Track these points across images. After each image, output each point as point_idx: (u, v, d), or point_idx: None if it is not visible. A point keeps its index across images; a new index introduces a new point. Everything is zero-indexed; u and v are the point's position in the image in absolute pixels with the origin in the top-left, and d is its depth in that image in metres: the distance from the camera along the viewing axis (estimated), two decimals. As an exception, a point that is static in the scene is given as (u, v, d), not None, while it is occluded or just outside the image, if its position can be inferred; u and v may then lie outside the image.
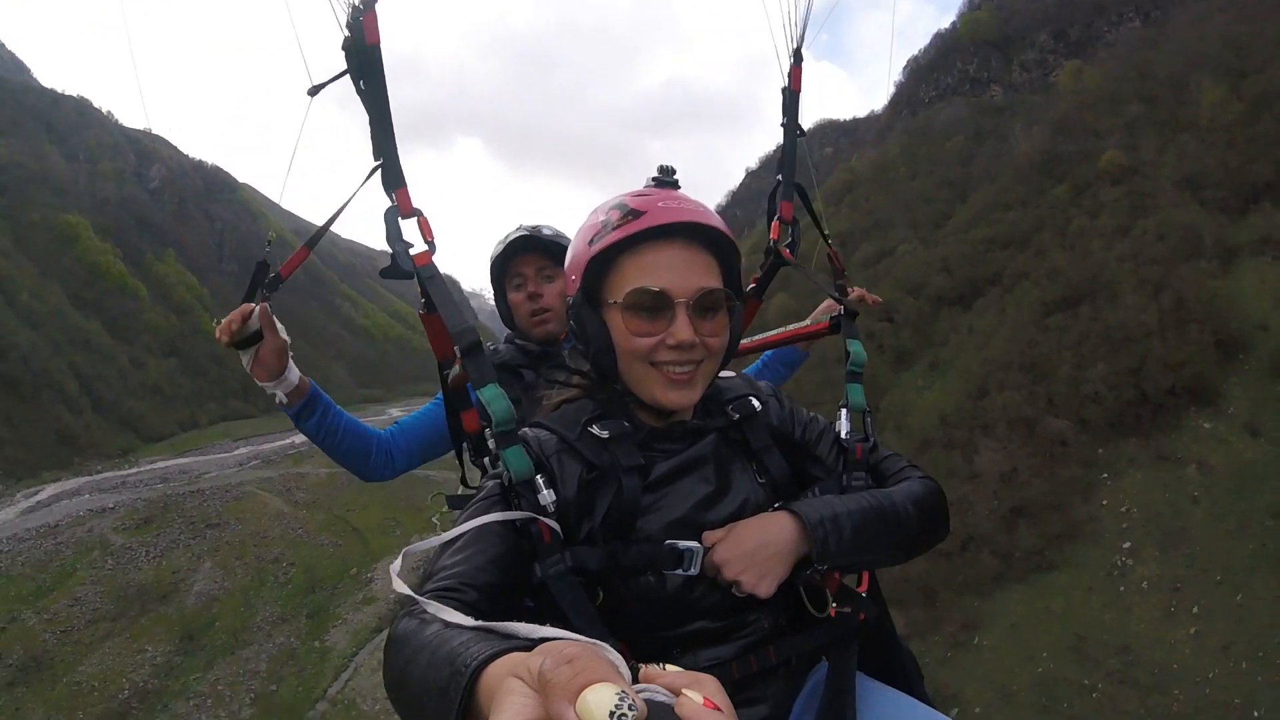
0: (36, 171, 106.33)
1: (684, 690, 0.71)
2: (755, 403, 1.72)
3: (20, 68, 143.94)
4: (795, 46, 2.46)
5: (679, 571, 1.50)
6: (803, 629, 1.67)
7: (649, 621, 1.51)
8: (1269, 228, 28.26)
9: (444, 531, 1.49)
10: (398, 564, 1.32)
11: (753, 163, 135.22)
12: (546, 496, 1.44)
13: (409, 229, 1.91)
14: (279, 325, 2.48)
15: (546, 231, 2.77)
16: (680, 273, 1.49)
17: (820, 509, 1.54)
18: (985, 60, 72.48)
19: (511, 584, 1.36)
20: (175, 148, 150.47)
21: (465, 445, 2.32)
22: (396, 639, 1.10)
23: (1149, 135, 39.85)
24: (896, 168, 59.24)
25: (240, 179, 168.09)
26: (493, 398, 1.50)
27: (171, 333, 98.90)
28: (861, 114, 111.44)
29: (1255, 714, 15.58)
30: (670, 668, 0.75)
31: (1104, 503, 22.34)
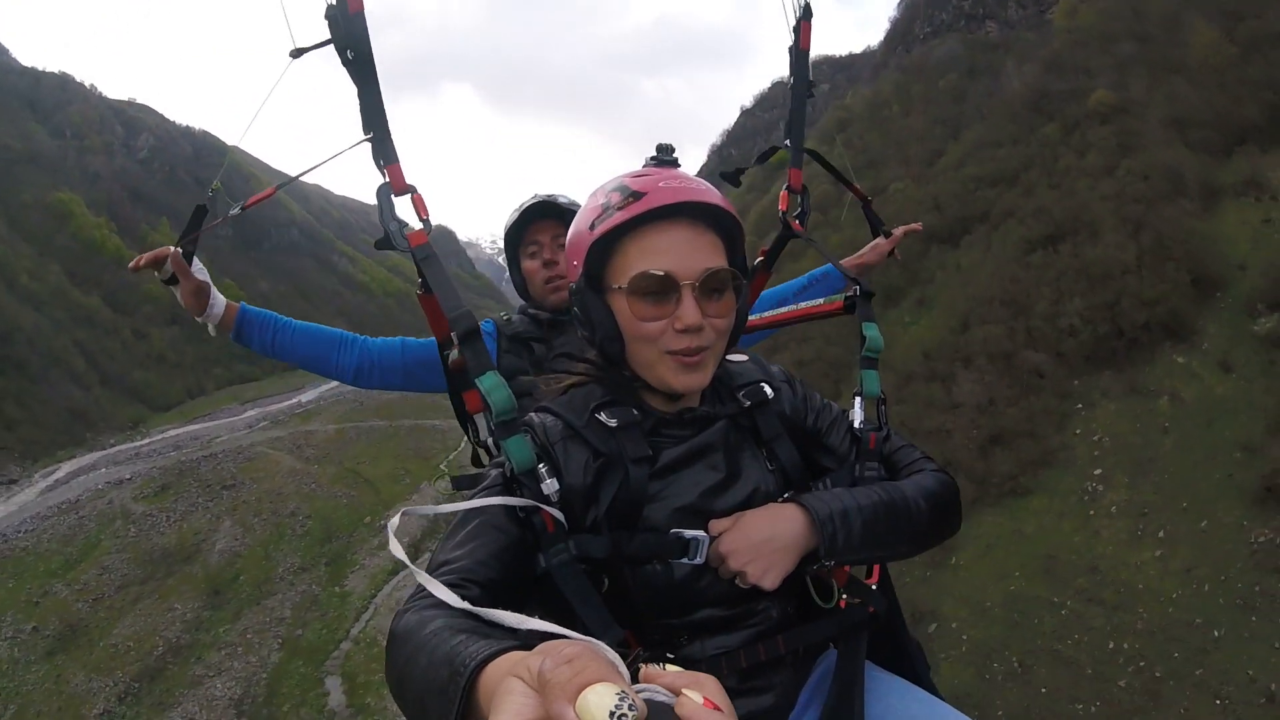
0: (24, 152, 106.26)
1: (684, 690, 0.72)
2: (767, 389, 1.72)
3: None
4: (804, 1, 2.40)
5: (684, 560, 1.51)
6: (811, 618, 1.68)
7: (655, 609, 1.52)
8: (1253, 170, 28.84)
9: (444, 502, 1.57)
10: (395, 521, 1.36)
11: (747, 100, 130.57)
12: (550, 486, 1.45)
13: (402, 206, 1.90)
14: (195, 268, 2.66)
15: (562, 200, 2.77)
16: (685, 254, 1.48)
17: (830, 503, 1.54)
18: None
19: (515, 576, 1.37)
20: (162, 116, 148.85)
21: (470, 424, 2.30)
22: (397, 637, 1.12)
23: (1140, 75, 40.16)
24: (890, 105, 58.93)
25: (229, 142, 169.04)
26: (492, 387, 1.49)
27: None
28: (858, 49, 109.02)
29: (1215, 634, 16.44)
30: (670, 667, 0.77)
31: (1077, 432, 23.16)
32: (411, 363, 2.77)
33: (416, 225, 1.87)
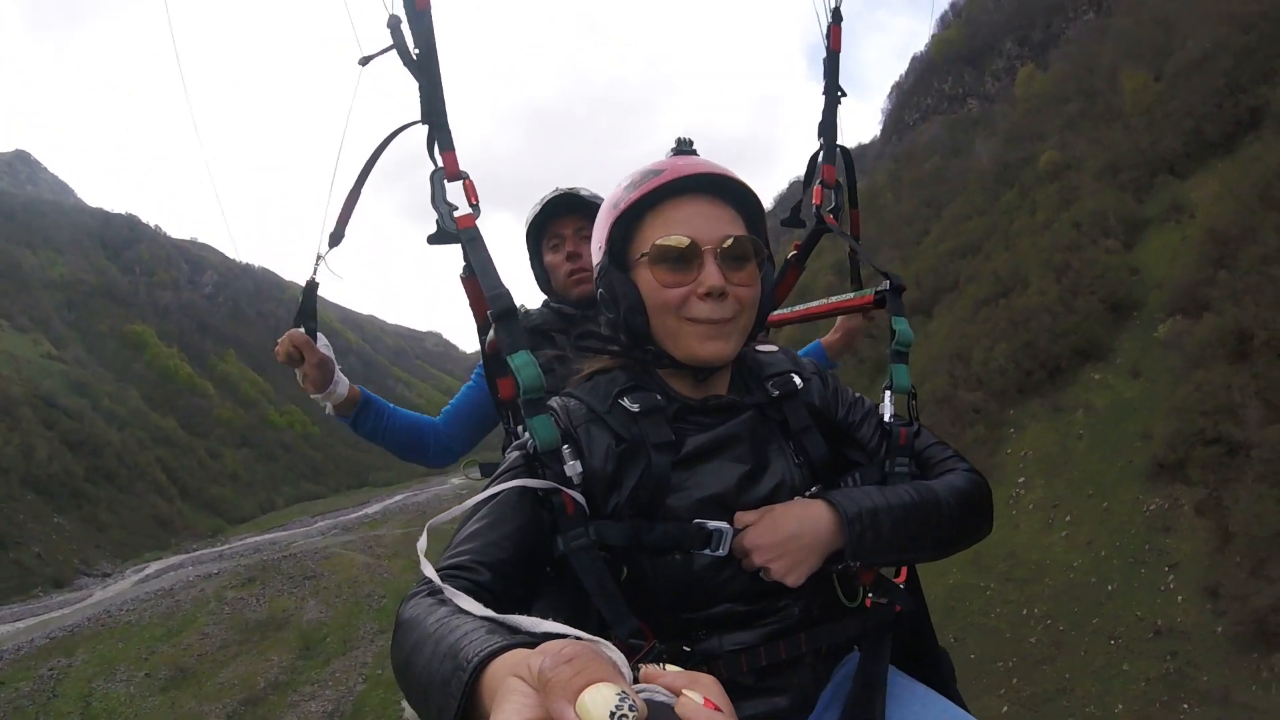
0: (99, 286, 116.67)
1: (684, 690, 0.72)
2: (797, 380, 1.68)
3: (64, 189, 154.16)
4: (834, 5, 2.47)
5: (706, 552, 1.47)
6: (835, 617, 1.62)
7: (673, 601, 1.48)
8: (1174, 197, 32.49)
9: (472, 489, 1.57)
10: (423, 542, 1.38)
11: (768, 203, 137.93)
12: (573, 468, 1.43)
13: (454, 193, 1.91)
14: (320, 343, 2.63)
15: (584, 192, 2.73)
16: (705, 223, 1.48)
17: (860, 501, 1.50)
18: (960, 76, 77.09)
19: (529, 558, 1.36)
20: (222, 254, 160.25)
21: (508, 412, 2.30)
22: (402, 624, 1.11)
23: (1083, 130, 44.18)
24: (883, 194, 62.52)
25: (286, 278, 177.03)
26: (523, 364, 1.49)
27: (241, 425, 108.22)
28: (865, 140, 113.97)
29: (1109, 588, 19.37)
30: (670, 668, 0.76)
31: (1008, 452, 26.52)
32: (467, 408, 2.95)
33: (467, 210, 1.87)
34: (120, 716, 31.84)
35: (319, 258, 2.45)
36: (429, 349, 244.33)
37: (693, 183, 1.52)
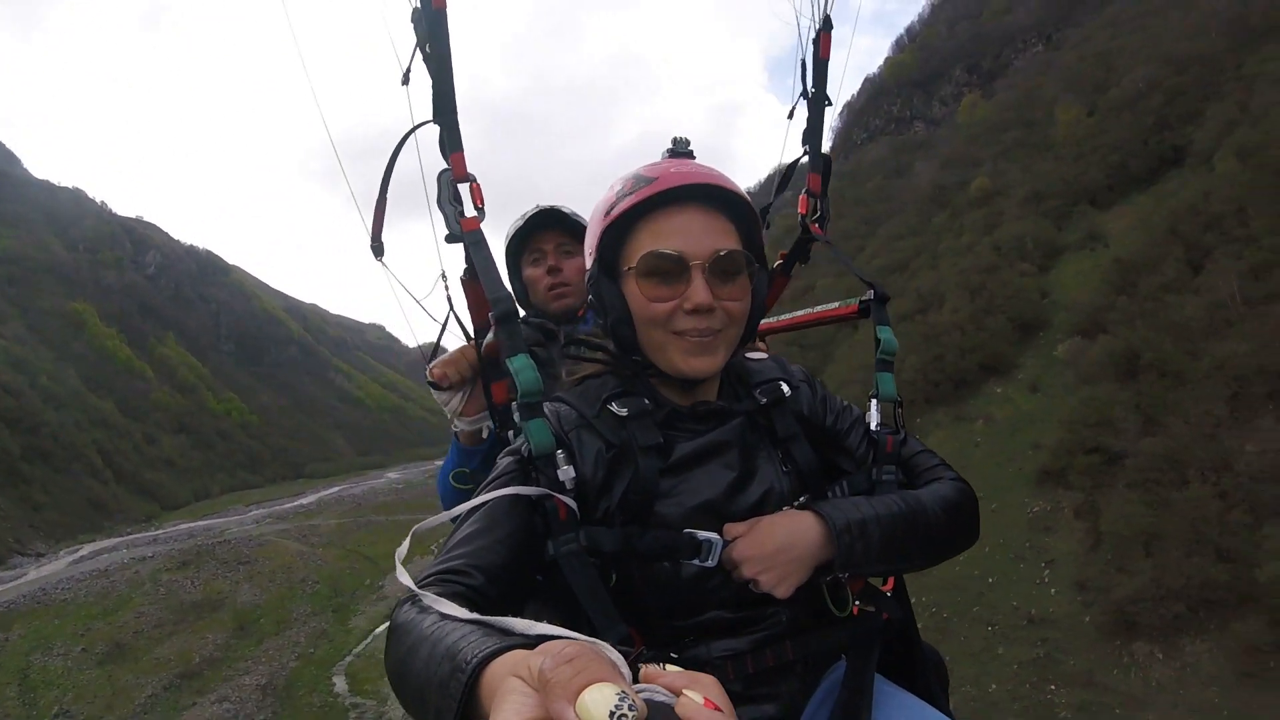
0: (43, 262, 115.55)
1: (685, 690, 0.71)
2: (785, 388, 1.65)
3: (11, 159, 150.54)
4: (824, 13, 2.44)
5: (695, 562, 1.45)
6: (823, 625, 1.60)
7: (662, 608, 1.46)
8: (1091, 226, 34.65)
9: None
10: (404, 548, 1.35)
11: None
12: (566, 473, 1.41)
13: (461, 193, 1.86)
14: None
15: (566, 210, 2.71)
16: (696, 236, 1.45)
17: (848, 512, 1.48)
18: (909, 99, 79.46)
19: (521, 563, 1.34)
20: (167, 234, 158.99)
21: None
22: (397, 628, 1.10)
23: (1016, 159, 46.44)
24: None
25: (230, 261, 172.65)
26: (522, 367, 1.49)
27: (178, 410, 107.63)
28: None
29: (990, 580, 20.80)
30: (670, 667, 0.75)
31: None
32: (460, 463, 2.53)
33: (472, 212, 1.85)
34: (58, 687, 32.59)
35: (444, 276, 2.20)
36: (371, 341, 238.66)
37: (685, 192, 1.47)
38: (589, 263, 1.57)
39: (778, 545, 1.44)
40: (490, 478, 1.46)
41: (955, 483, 1.65)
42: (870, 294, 2.02)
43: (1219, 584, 16.19)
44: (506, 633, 0.91)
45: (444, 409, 2.31)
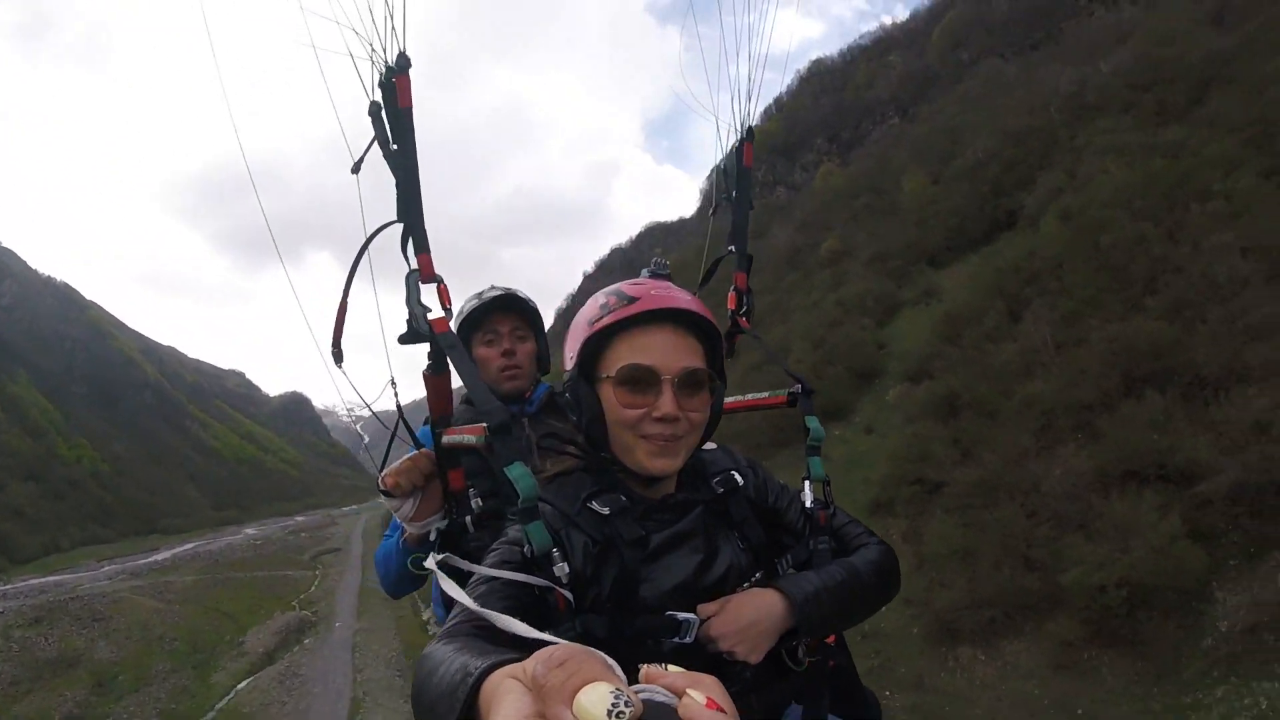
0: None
1: (688, 691, 0.73)
2: (738, 477, 1.90)
3: None
4: (747, 125, 2.64)
5: (675, 639, 1.63)
6: (779, 677, 1.82)
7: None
8: (928, 283, 37.02)
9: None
10: (438, 557, 1.74)
11: (590, 267, 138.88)
12: (562, 569, 1.54)
13: (427, 295, 1.95)
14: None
15: (521, 295, 2.96)
16: (668, 353, 1.64)
17: (804, 587, 1.73)
18: (774, 165, 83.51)
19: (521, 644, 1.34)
20: (25, 263, 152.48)
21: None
22: (425, 656, 1.18)
23: (864, 223, 48.94)
24: (689, 269, 67.51)
25: (88, 297, 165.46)
26: (519, 476, 1.59)
27: (29, 456, 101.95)
28: (686, 215, 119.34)
29: None
30: (672, 668, 0.78)
31: None
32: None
33: (439, 313, 1.94)
34: None
35: (393, 382, 2.26)
36: (230, 388, 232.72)
37: (663, 314, 1.64)
38: (569, 365, 1.73)
39: (748, 621, 1.64)
40: (491, 559, 1.56)
41: (879, 546, 1.93)
42: (798, 387, 2.31)
43: (1030, 590, 17.59)
44: (515, 638, 1.07)
45: (394, 514, 2.28)
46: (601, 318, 1.67)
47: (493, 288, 2.96)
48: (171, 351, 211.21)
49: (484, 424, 1.77)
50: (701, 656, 1.65)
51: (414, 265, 1.97)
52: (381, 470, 2.18)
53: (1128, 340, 21.23)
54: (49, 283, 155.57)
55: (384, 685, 33.44)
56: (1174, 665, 15.71)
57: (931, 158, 48.06)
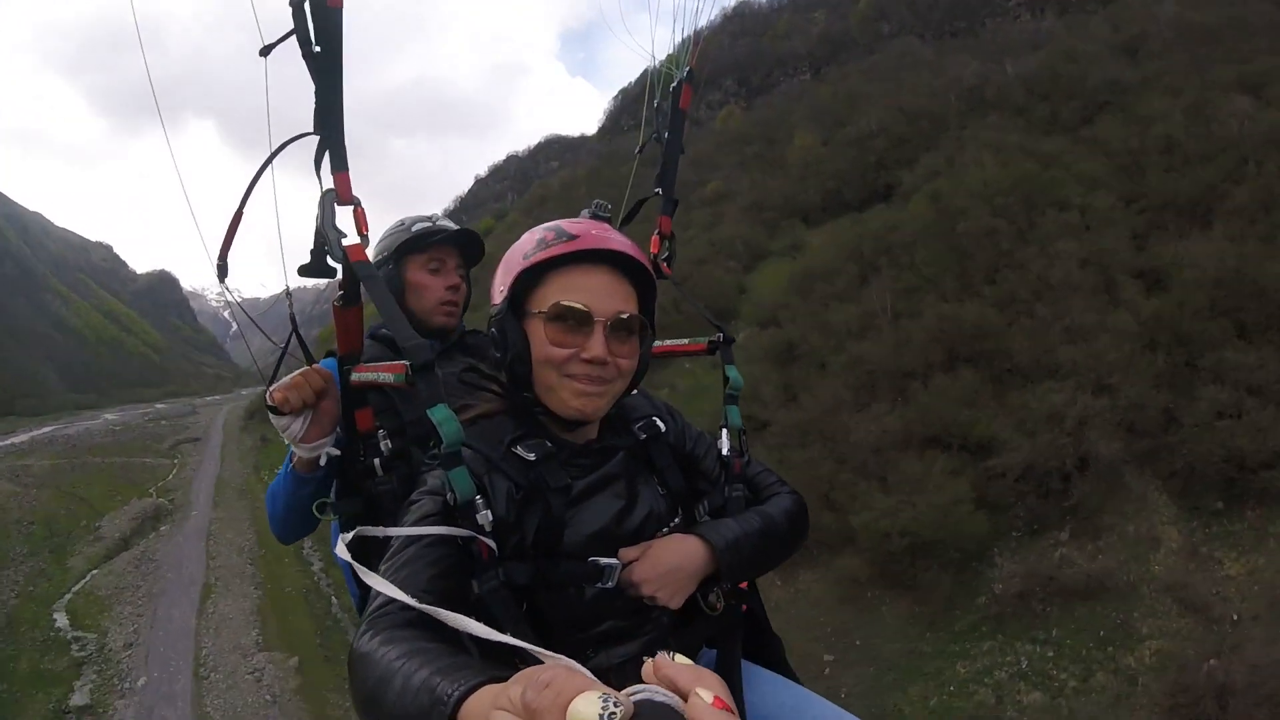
0: None
1: (695, 690, 0.73)
2: (659, 424, 1.87)
3: None
4: (688, 66, 2.52)
5: (598, 585, 1.62)
6: (694, 620, 1.83)
7: (567, 626, 1.62)
8: (796, 238, 38.77)
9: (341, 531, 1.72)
10: (349, 536, 1.67)
11: (482, 170, 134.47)
12: (485, 516, 1.50)
13: (343, 216, 1.79)
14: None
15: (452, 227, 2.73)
16: (603, 295, 1.59)
17: (725, 534, 1.72)
18: None
19: (458, 594, 1.41)
20: None
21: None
22: (361, 657, 1.14)
23: (750, 171, 50.17)
24: (580, 186, 66.28)
25: None
26: (444, 419, 1.51)
27: None
28: (589, 132, 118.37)
29: None
30: (680, 658, 0.78)
31: None
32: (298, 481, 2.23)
33: (355, 239, 1.80)
34: None
35: (288, 294, 2.15)
36: (95, 262, 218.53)
37: (601, 254, 1.61)
38: (498, 299, 1.67)
39: (670, 566, 1.66)
40: (412, 516, 1.51)
41: (792, 495, 1.94)
42: (719, 336, 2.22)
43: (827, 528, 19.01)
44: (469, 659, 1.07)
45: (282, 434, 2.10)
46: (537, 252, 1.61)
47: (430, 218, 2.73)
48: (37, 218, 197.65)
49: (403, 362, 1.67)
50: (624, 601, 1.66)
51: (329, 185, 1.79)
52: (269, 386, 2.02)
53: (957, 320, 23.02)
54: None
55: (235, 572, 34.04)
56: (947, 615, 17.54)
57: (827, 120, 49.09)
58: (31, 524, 42.38)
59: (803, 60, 77.12)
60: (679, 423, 1.98)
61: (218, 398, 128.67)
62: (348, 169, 1.79)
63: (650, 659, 0.78)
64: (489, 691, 0.84)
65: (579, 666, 0.76)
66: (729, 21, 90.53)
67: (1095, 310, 21.53)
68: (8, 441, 69.77)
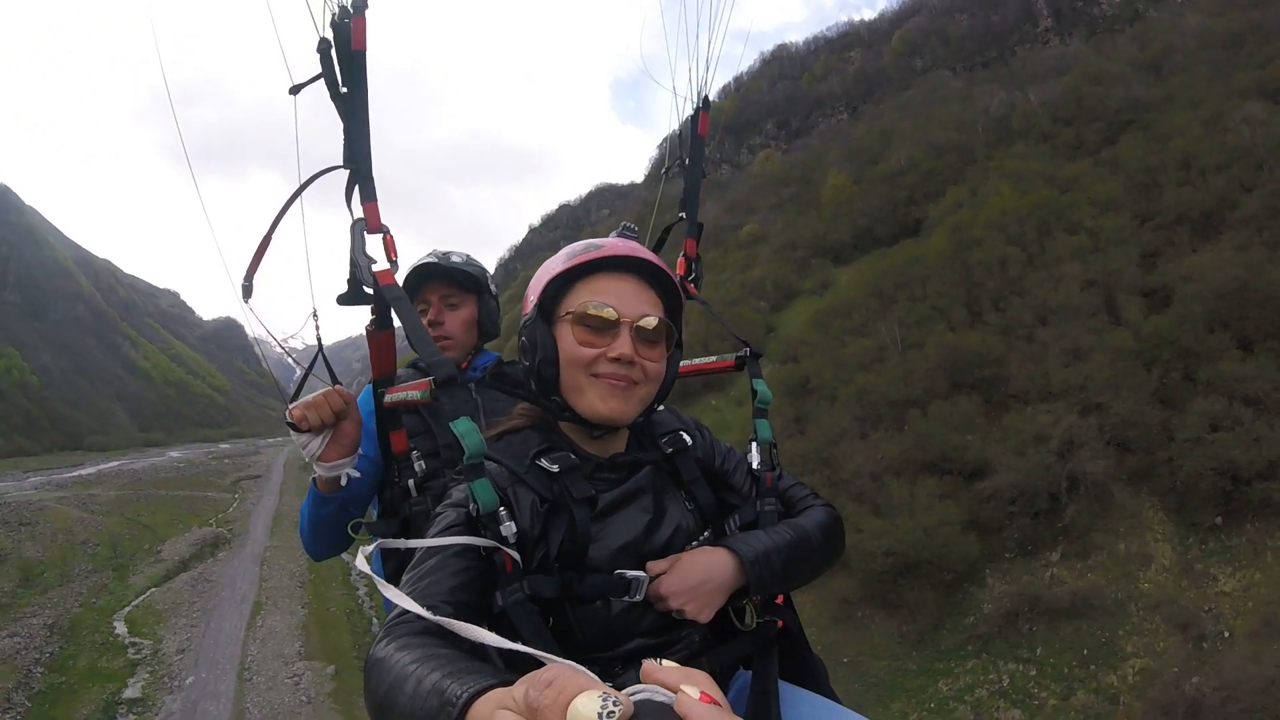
0: None
1: (681, 686, 0.74)
2: (686, 437, 1.82)
3: None
4: (703, 94, 2.57)
5: (625, 599, 1.58)
6: (727, 638, 1.79)
7: (594, 642, 1.58)
8: (825, 276, 39.17)
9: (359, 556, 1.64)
10: (370, 548, 1.62)
11: (536, 220, 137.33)
12: (508, 528, 1.49)
13: (373, 245, 1.88)
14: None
15: (456, 258, 2.75)
16: (629, 299, 1.59)
17: (754, 546, 1.66)
18: (722, 144, 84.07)
19: (479, 606, 1.41)
20: None
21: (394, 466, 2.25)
22: (377, 663, 1.15)
23: (785, 212, 50.54)
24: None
25: (28, 201, 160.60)
26: (466, 431, 1.52)
27: None
28: (639, 180, 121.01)
29: None
30: (667, 663, 0.79)
31: None
32: (363, 485, 2.36)
33: (385, 265, 1.89)
34: None
35: (314, 315, 2.18)
36: (163, 309, 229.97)
37: (628, 263, 1.61)
38: (529, 308, 1.67)
39: (698, 580, 1.60)
40: (436, 527, 1.53)
41: (826, 508, 1.87)
42: (746, 351, 2.19)
43: None
44: (474, 654, 1.08)
45: (301, 451, 2.13)
46: (566, 262, 1.62)
47: (431, 254, 2.77)
48: (107, 265, 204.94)
49: (428, 379, 1.72)
50: (651, 615, 1.63)
51: (359, 214, 1.90)
52: (291, 404, 2.09)
53: (957, 349, 23.39)
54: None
55: (285, 592, 35.99)
56: (935, 634, 17.86)
57: (861, 158, 49.33)
58: (96, 545, 45.16)
59: (839, 100, 77.55)
60: (707, 438, 1.94)
61: (280, 439, 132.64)
62: (376, 199, 1.91)
63: (644, 662, 0.80)
64: (496, 694, 0.86)
65: (580, 667, 0.78)
66: (768, 65, 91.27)
67: (1094, 331, 21.69)
68: (76, 473, 73.22)
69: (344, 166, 1.89)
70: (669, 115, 2.51)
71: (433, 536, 1.48)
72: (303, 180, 1.94)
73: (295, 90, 1.93)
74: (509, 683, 0.83)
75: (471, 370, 2.69)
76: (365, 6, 1.86)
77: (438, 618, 1.16)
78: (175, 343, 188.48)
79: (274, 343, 2.25)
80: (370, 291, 1.91)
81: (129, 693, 28.15)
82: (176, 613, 35.41)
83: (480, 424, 1.57)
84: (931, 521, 18.41)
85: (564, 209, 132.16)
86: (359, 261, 1.88)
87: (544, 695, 0.72)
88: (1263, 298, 19.67)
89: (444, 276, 2.67)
